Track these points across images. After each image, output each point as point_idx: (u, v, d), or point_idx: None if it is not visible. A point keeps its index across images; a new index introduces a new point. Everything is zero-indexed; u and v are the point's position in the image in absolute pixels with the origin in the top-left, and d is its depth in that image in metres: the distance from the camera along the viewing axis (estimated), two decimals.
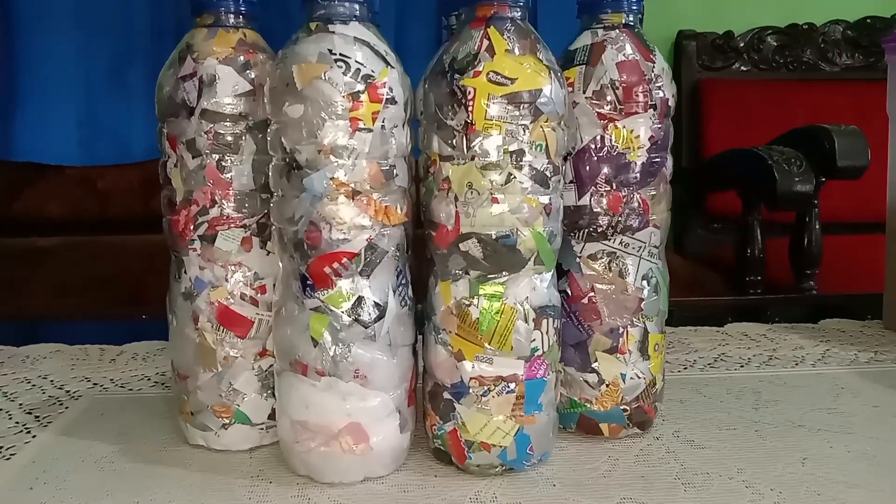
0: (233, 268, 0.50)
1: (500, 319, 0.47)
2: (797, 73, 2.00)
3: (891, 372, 0.68)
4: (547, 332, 0.48)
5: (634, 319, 0.52)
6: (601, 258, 0.52)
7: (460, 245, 0.47)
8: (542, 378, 0.48)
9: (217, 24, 0.50)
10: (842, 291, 1.42)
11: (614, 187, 0.51)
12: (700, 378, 0.67)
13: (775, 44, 1.97)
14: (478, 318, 0.47)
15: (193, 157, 0.49)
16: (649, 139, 0.51)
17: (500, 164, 0.46)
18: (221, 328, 0.50)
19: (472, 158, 0.46)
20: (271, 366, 0.52)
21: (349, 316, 0.46)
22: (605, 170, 0.51)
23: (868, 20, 2.00)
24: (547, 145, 0.46)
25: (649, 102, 0.50)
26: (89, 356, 0.75)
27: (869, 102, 1.89)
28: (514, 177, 0.46)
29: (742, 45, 1.94)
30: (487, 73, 0.45)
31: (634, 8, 0.52)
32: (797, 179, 1.32)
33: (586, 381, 0.53)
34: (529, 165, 0.46)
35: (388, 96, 0.45)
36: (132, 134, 1.65)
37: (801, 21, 1.98)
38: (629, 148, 0.50)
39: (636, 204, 0.51)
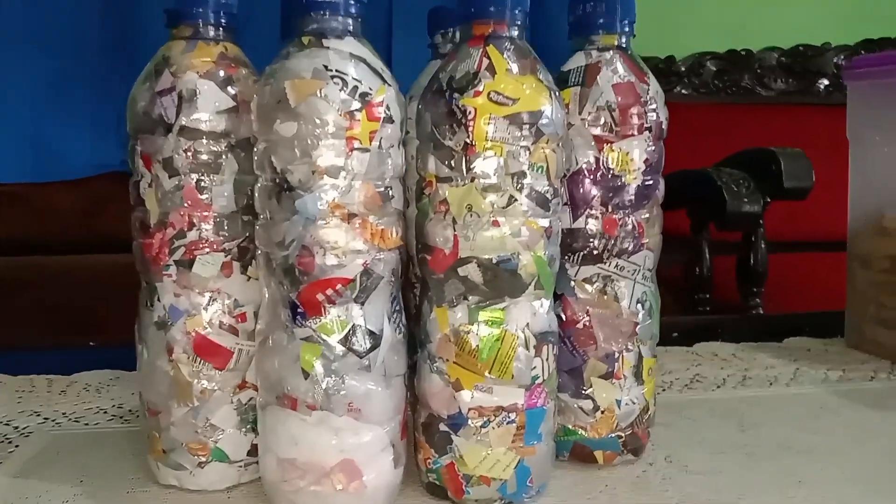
0: (211, 295, 0.47)
1: (500, 347, 0.45)
2: (735, 97, 2.06)
3: (863, 391, 0.69)
4: (547, 359, 0.46)
5: (629, 344, 0.51)
6: (596, 282, 0.51)
7: (458, 269, 0.45)
8: (542, 407, 0.47)
9: (196, 36, 0.47)
10: (784, 309, 1.46)
11: (609, 210, 0.50)
12: (680, 400, 0.67)
13: (714, 68, 2.03)
14: (477, 346, 0.45)
15: (170, 177, 0.46)
16: (644, 161, 0.50)
17: (501, 186, 0.44)
18: (198, 359, 0.47)
19: (472, 180, 0.44)
20: (251, 399, 0.48)
21: (343, 345, 0.43)
22: (600, 192, 0.50)
23: (800, 48, 2.08)
24: (548, 167, 0.45)
25: (644, 125, 0.50)
26: (36, 388, 0.69)
27: (803, 126, 1.97)
28: (516, 199, 0.44)
29: (683, 69, 1.99)
30: (488, 93, 0.44)
31: (627, 30, 0.51)
32: (745, 200, 1.35)
33: (580, 408, 0.52)
34: (530, 187, 0.45)
35: (386, 115, 0.43)
36: (73, 150, 1.58)
37: (739, 47, 2.04)
38: (625, 170, 0.50)
39: (631, 226, 0.50)
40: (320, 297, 0.43)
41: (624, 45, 0.51)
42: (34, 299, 1.33)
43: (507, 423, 0.45)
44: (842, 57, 2.11)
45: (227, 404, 0.48)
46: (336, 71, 0.42)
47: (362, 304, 0.44)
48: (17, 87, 1.52)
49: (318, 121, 0.41)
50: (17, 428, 0.60)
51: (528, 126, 0.44)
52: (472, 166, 0.44)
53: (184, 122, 0.45)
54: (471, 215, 0.44)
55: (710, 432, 0.59)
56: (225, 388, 0.48)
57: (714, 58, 2.02)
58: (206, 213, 0.46)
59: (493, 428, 0.45)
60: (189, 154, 0.45)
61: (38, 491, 0.50)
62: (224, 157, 0.46)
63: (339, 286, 0.43)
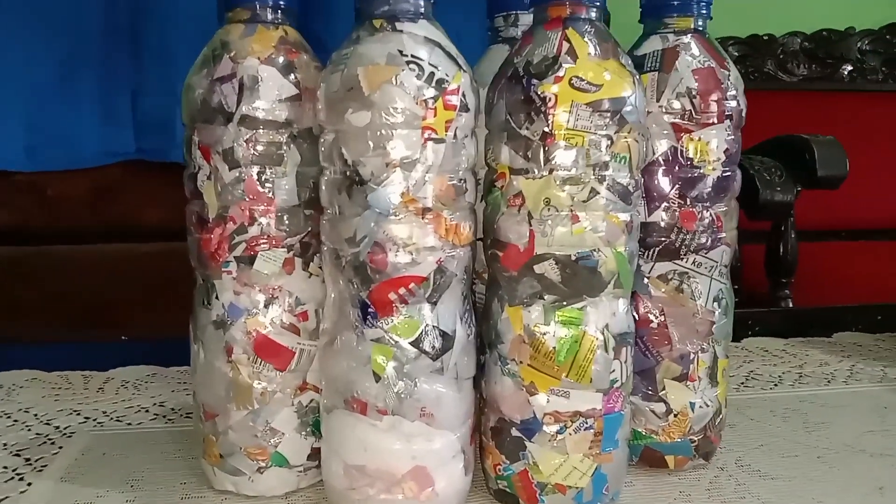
0: (272, 292, 0.45)
1: (579, 349, 0.43)
2: (758, 82, 2.02)
3: None
4: (625, 362, 0.44)
5: (704, 344, 0.49)
6: (672, 279, 0.48)
7: (535, 267, 0.42)
8: (620, 412, 0.44)
9: (254, 20, 0.44)
10: (811, 301, 1.43)
11: (687, 203, 0.47)
12: (739, 399, 0.64)
13: (737, 54, 1.99)
14: (554, 348, 0.43)
15: (230, 169, 0.43)
16: (724, 152, 0.47)
17: (582, 178, 0.42)
18: (259, 360, 0.45)
19: (551, 172, 0.42)
20: (312, 401, 0.46)
21: (415, 347, 0.41)
22: (678, 184, 0.47)
23: (824, 32, 2.04)
24: (630, 157, 0.43)
25: (725, 112, 0.47)
26: (72, 385, 0.67)
27: (826, 112, 1.93)
28: (597, 192, 0.42)
29: None
30: (570, 79, 0.41)
31: (704, 12, 0.48)
32: (778, 189, 1.32)
33: (653, 411, 0.49)
34: (612, 179, 0.42)
35: (462, 103, 0.40)
36: (82, 138, 1.55)
37: (761, 32, 2.01)
38: (703, 161, 0.47)
39: (709, 220, 0.48)
40: (392, 296, 0.41)
41: (701, 28, 0.48)
42: (47, 290, 1.31)
43: (585, 429, 0.43)
44: (866, 42, 2.08)
45: (287, 407, 0.46)
46: (411, 56, 0.39)
47: (434, 303, 0.42)
48: (23, 72, 1.49)
49: (392, 110, 0.39)
50: (58, 428, 0.58)
51: (610, 114, 0.41)
52: (550, 157, 0.41)
53: (245, 111, 0.43)
54: (548, 209, 0.42)
55: (776, 433, 0.57)
56: (286, 390, 0.46)
57: (736, 43, 1.98)
58: (267, 207, 0.44)
59: (570, 434, 0.43)
60: (250, 145, 0.43)
61: (87, 496, 0.48)
62: (286, 147, 0.44)
63: (411, 285, 0.41)
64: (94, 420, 0.60)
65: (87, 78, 1.52)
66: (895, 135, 1.89)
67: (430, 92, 0.39)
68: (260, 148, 0.43)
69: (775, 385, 0.68)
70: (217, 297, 0.45)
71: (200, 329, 0.46)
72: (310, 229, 0.45)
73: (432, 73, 0.39)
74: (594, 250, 0.42)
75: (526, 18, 0.53)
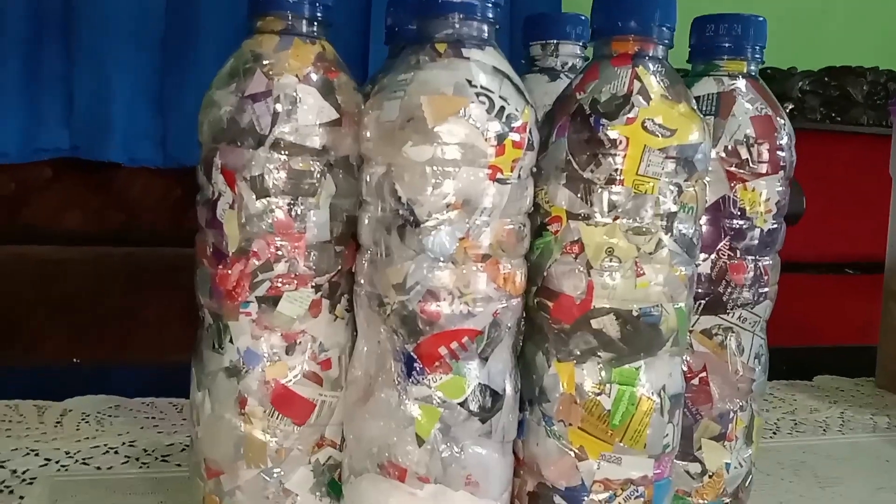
0: (294, 337, 0.40)
1: (635, 412, 0.39)
2: None
3: None
4: (677, 425, 0.41)
5: (743, 402, 0.47)
6: (717, 334, 0.46)
7: (592, 321, 0.39)
8: (668, 478, 0.41)
9: (289, 31, 0.39)
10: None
11: (737, 255, 0.45)
12: None
13: None
14: (609, 410, 0.39)
15: (258, 199, 0.38)
16: (776, 203, 0.45)
17: (650, 229, 0.38)
18: (276, 413, 0.40)
19: (615, 219, 0.38)
20: (329, 458, 0.42)
21: (464, 408, 0.37)
22: (729, 234, 0.45)
23: (768, 71, 2.09)
24: (696, 208, 0.40)
25: (780, 164, 0.45)
26: (24, 417, 0.60)
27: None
28: (664, 244, 0.39)
29: None
30: (642, 121, 0.38)
31: (758, 56, 0.46)
32: None
33: (687, 472, 0.47)
34: (679, 231, 0.39)
35: (528, 141, 0.37)
36: (5, 132, 1.44)
37: None
38: (756, 212, 0.45)
39: (758, 273, 0.46)
40: (443, 350, 0.37)
41: (753, 73, 0.46)
42: None
43: (635, 497, 0.40)
44: (806, 83, 2.14)
45: (303, 465, 0.41)
46: (481, 87, 0.35)
47: (486, 359, 0.38)
48: None
49: (459, 146, 0.35)
50: (15, 472, 0.51)
51: (682, 161, 0.38)
52: (616, 203, 0.38)
53: (279, 135, 0.38)
54: (611, 259, 0.39)
55: (791, 489, 0.56)
56: (302, 447, 0.41)
57: (684, 76, 2.02)
58: (296, 243, 0.39)
59: (620, 503, 0.40)
60: (282, 172, 0.38)
61: None
62: (321, 177, 0.39)
63: (465, 339, 0.37)
64: (57, 462, 0.53)
65: (9, 68, 1.40)
66: (831, 174, 1.95)
67: (498, 128, 0.36)
68: (293, 176, 0.38)
69: (774, 434, 0.67)
70: (231, 341, 0.40)
71: (209, 376, 0.40)
72: (339, 268, 0.40)
73: (502, 108, 0.36)
74: (657, 306, 0.39)
75: (567, 48, 0.50)
